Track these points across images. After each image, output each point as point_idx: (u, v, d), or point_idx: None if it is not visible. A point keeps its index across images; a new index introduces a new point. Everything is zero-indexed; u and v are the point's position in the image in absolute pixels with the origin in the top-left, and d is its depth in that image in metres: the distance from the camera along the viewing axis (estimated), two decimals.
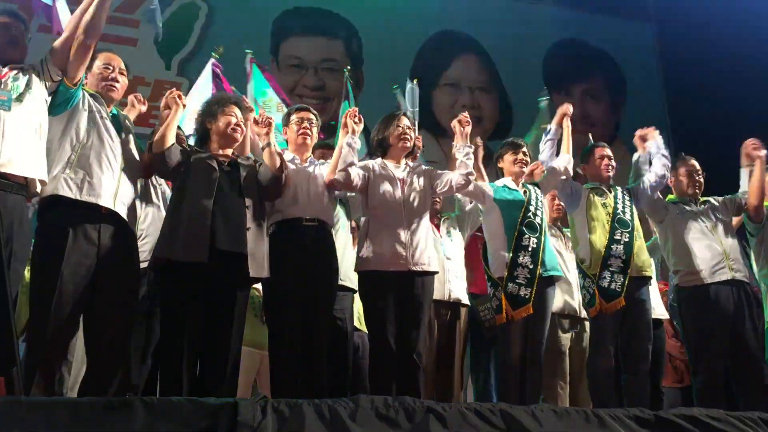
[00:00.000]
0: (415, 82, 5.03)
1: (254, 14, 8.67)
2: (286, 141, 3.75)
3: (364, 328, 4.39)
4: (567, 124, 4.18)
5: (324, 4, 9.05)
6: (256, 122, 3.49)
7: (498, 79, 9.52)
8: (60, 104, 2.99)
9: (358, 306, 4.40)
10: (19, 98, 2.80)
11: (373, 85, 8.89)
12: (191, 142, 3.62)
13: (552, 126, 4.18)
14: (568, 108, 4.22)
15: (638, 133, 4.41)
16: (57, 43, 2.99)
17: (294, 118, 3.67)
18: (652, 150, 4.25)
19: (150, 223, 3.67)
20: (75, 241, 2.86)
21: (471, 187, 3.69)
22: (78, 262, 2.86)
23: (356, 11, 9.11)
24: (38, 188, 2.84)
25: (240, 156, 3.40)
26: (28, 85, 2.86)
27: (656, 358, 4.39)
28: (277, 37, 8.81)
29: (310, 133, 3.66)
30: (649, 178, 4.16)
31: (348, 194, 3.89)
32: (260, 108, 4.46)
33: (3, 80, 2.81)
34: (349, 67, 5.65)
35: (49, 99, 2.95)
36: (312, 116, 3.70)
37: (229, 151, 3.35)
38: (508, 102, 9.43)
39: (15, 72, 2.87)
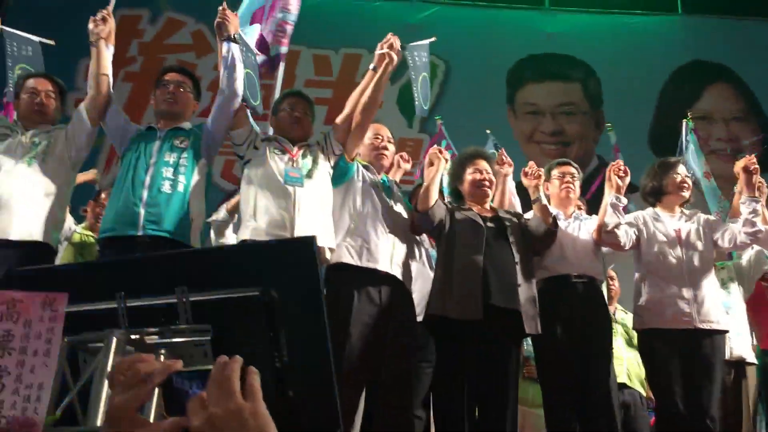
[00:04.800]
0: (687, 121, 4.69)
1: (489, 66, 8.82)
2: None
3: (635, 386, 4.16)
4: None
5: (558, 48, 8.97)
6: (525, 174, 3.46)
7: (757, 106, 8.69)
8: (339, 176, 3.21)
9: (623, 362, 4.18)
10: (309, 174, 3.05)
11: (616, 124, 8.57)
12: None
13: None
14: None
15: None
16: (339, 120, 3.23)
17: (555, 172, 3.61)
18: None
19: (415, 279, 3.78)
20: (360, 302, 3.02)
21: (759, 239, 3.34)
22: (363, 322, 3.00)
23: (592, 52, 8.90)
24: (327, 255, 3.04)
25: (501, 210, 3.41)
26: (314, 161, 3.11)
27: None
28: (513, 85, 8.87)
29: (573, 188, 3.58)
30: None
31: None
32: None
33: (294, 159, 3.08)
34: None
35: (331, 172, 3.18)
36: (573, 170, 3.62)
37: (487, 206, 3.37)
38: None
39: (303, 150, 3.14)
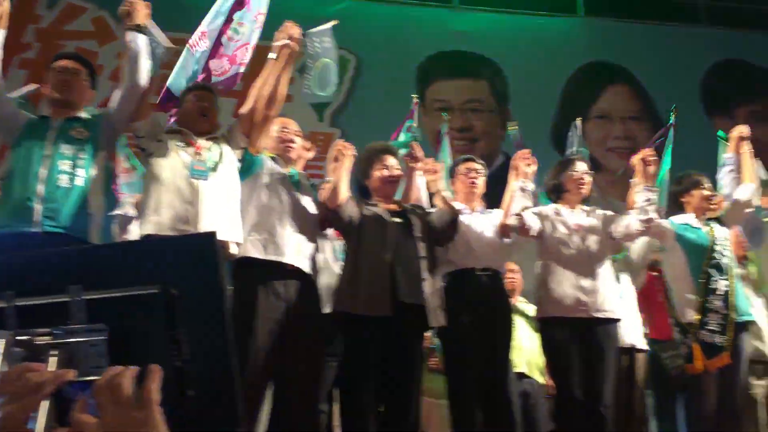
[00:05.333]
0: (578, 120, 4.89)
1: (400, 62, 8.89)
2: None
3: (534, 375, 4.32)
4: (745, 150, 3.88)
5: (466, 46, 9.14)
6: (426, 170, 3.48)
7: (652, 107, 9.15)
8: (245, 170, 3.17)
9: (523, 352, 4.32)
10: (214, 168, 2.99)
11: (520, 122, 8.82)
12: None
13: (729, 154, 3.91)
14: (743, 130, 3.92)
15: None
16: (242, 111, 3.17)
17: (461, 168, 3.69)
18: None
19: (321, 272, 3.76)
20: (265, 297, 2.99)
21: (652, 228, 3.52)
22: (269, 318, 2.98)
23: (499, 50, 9.12)
24: (234, 249, 3.00)
25: (406, 205, 3.45)
26: (220, 154, 3.05)
27: None
28: (422, 82, 8.98)
29: (477, 183, 3.66)
30: None
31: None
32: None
33: (199, 152, 3.01)
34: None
35: (239, 165, 3.14)
36: (478, 165, 3.70)
37: (393, 201, 3.41)
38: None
39: (209, 143, 3.08)
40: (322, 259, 3.83)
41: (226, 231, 2.93)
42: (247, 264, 3.05)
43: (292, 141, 3.40)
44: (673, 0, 9.61)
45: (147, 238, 2.79)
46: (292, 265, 3.09)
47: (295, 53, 3.19)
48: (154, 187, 2.93)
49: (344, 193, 3.22)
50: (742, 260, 4.16)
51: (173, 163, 2.95)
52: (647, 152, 3.54)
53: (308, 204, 3.31)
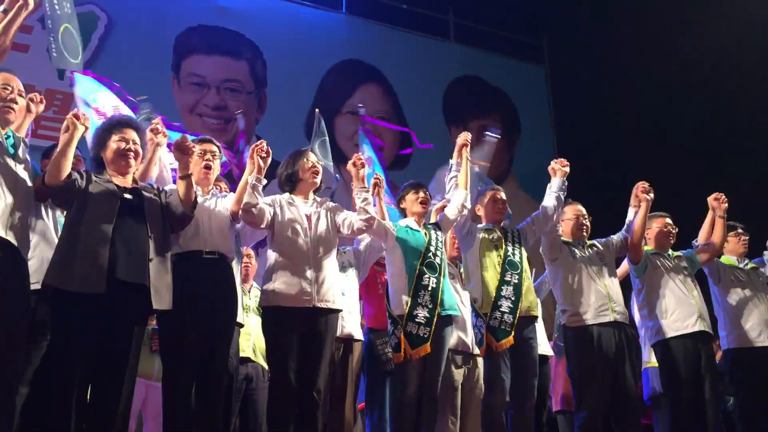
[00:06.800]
0: (317, 111, 5.07)
1: (156, 29, 8.49)
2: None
3: (259, 360, 4.38)
4: (466, 155, 4.26)
5: (229, 23, 8.99)
6: (178, 148, 3.28)
7: (399, 110, 9.74)
8: None
9: (251, 338, 4.38)
10: None
11: (275, 108, 8.90)
12: None
13: (453, 161, 4.27)
14: (465, 138, 4.29)
15: (552, 164, 4.52)
16: None
17: (198, 149, 3.61)
18: (554, 188, 4.42)
19: (36, 244, 3.46)
20: None
21: (374, 226, 3.74)
22: None
23: (261, 33, 9.10)
24: None
25: (142, 184, 3.31)
26: None
27: (542, 393, 4.60)
28: (180, 54, 8.66)
29: (213, 166, 3.62)
30: (537, 214, 4.37)
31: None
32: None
33: None
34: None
35: None
36: (215, 148, 3.66)
37: (129, 178, 3.25)
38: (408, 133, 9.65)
39: None
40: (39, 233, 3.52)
41: None
42: None
43: (13, 101, 3.08)
44: (428, 14, 10.29)
45: None
46: None
47: (28, 8, 2.92)
48: None
49: (67, 169, 2.98)
50: (456, 260, 4.59)
51: None
52: (358, 157, 3.77)
53: (22, 172, 3.02)
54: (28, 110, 3.42)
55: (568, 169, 4.48)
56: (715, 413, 4.24)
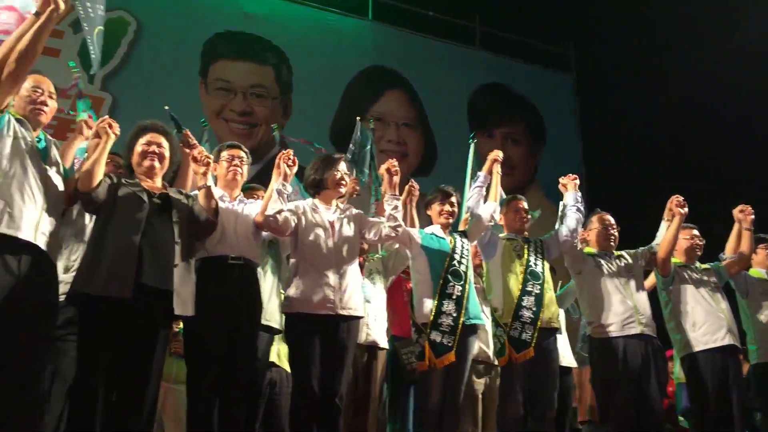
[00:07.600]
0: (358, 119, 5.05)
1: (185, 34, 8.58)
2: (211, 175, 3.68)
3: (283, 364, 4.39)
4: (497, 171, 4.28)
5: (256, 29, 9.06)
6: (195, 160, 3.36)
7: (424, 117, 9.73)
8: None
9: (275, 342, 4.38)
10: None
11: (300, 113, 8.93)
12: None
13: (482, 173, 4.27)
14: (498, 154, 4.32)
15: (561, 180, 4.55)
16: None
17: (225, 154, 3.64)
18: (569, 202, 4.41)
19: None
20: None
21: (399, 233, 3.73)
22: None
23: (287, 39, 9.16)
24: None
25: (172, 189, 3.33)
26: None
27: (564, 404, 4.56)
28: (207, 59, 8.74)
29: (241, 171, 3.64)
30: (561, 231, 4.33)
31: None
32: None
33: None
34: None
35: None
36: (243, 154, 3.68)
37: (158, 181, 3.28)
38: (433, 139, 9.65)
39: None
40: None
41: None
42: None
43: (44, 104, 3.12)
44: (454, 21, 10.29)
45: None
46: (27, 241, 2.85)
47: (58, 11, 2.95)
48: None
49: (99, 176, 3.02)
50: (479, 269, 4.57)
51: None
52: (391, 162, 3.75)
53: (54, 176, 3.06)
54: (80, 132, 3.48)
55: (578, 181, 4.49)
56: (741, 428, 4.18)
